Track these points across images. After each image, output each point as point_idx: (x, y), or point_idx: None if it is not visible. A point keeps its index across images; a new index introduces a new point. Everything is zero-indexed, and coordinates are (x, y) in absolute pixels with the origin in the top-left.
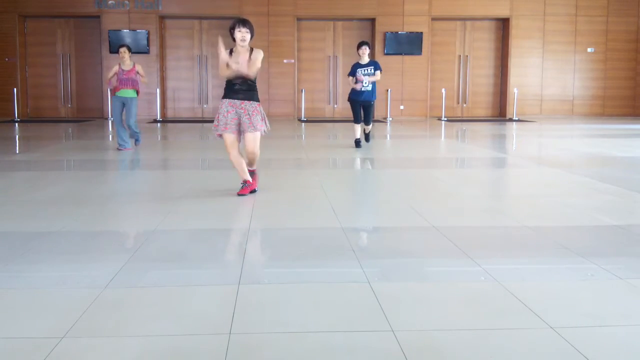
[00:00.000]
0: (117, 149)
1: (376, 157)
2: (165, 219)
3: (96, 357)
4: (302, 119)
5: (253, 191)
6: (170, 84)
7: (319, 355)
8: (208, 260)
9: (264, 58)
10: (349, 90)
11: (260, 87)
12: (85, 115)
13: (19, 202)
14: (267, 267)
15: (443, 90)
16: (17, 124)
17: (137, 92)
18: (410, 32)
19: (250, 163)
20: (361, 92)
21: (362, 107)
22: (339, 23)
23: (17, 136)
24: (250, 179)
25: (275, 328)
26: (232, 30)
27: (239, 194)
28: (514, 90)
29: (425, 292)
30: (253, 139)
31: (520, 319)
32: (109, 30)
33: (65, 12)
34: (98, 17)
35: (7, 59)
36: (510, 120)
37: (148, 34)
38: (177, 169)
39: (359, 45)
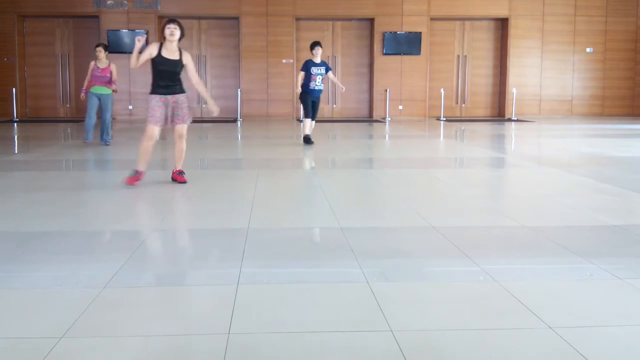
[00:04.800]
0: (84, 141)
1: (375, 157)
2: (164, 219)
3: (95, 357)
4: (301, 119)
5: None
6: None
7: (318, 355)
8: (207, 260)
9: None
10: (347, 90)
11: (258, 87)
12: (84, 115)
13: (18, 201)
14: (266, 267)
15: (442, 90)
16: (15, 124)
17: (113, 90)
18: (409, 32)
19: (179, 157)
20: (314, 90)
21: (312, 103)
22: (338, 23)
23: (15, 136)
24: (142, 169)
25: (274, 328)
26: (164, 28)
27: (130, 183)
28: (512, 90)
29: (424, 292)
30: (182, 130)
31: (518, 319)
32: (107, 31)
33: (64, 12)
34: (97, 17)
35: (6, 59)
36: (509, 120)
37: (147, 34)
38: None
39: (313, 46)
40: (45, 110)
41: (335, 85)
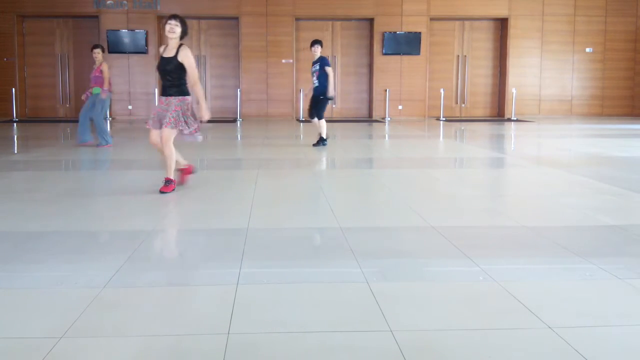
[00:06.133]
0: (97, 145)
1: (375, 157)
2: (163, 219)
3: (94, 357)
4: (301, 119)
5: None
6: None
7: (318, 355)
8: (206, 260)
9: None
10: (347, 90)
11: (258, 87)
12: None
13: (17, 201)
14: (266, 267)
15: (441, 91)
16: (15, 124)
17: (105, 90)
18: (409, 32)
19: (164, 163)
20: (313, 89)
21: (313, 101)
22: (338, 23)
23: (15, 136)
24: (183, 166)
25: (274, 328)
26: (165, 24)
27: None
28: (512, 90)
29: (423, 292)
30: (163, 135)
31: (518, 318)
32: (107, 30)
33: (64, 12)
34: (96, 17)
35: (5, 59)
36: (509, 120)
37: (146, 34)
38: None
39: (311, 45)
40: (44, 110)
41: (335, 85)
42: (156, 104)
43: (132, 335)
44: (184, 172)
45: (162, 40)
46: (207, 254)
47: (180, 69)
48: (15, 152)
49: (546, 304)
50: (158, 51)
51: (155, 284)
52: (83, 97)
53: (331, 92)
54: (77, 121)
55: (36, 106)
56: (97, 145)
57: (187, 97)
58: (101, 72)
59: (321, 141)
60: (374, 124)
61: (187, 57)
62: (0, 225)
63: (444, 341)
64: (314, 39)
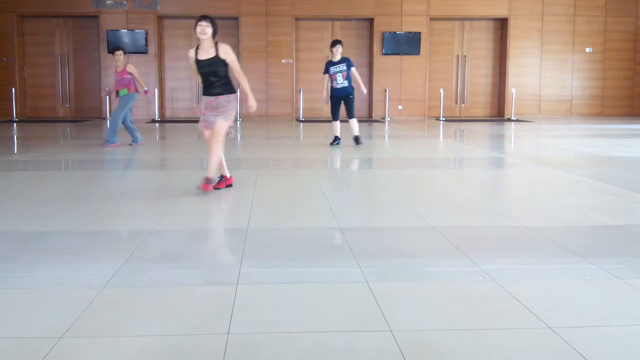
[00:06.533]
0: (129, 144)
1: (374, 157)
2: (163, 219)
3: (94, 357)
4: (301, 119)
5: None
6: (168, 84)
7: (317, 355)
8: (206, 260)
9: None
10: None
11: (258, 87)
12: (84, 115)
13: (17, 202)
14: (265, 267)
15: (441, 90)
16: (15, 124)
17: (132, 90)
18: (409, 32)
19: (209, 161)
20: (336, 89)
21: (341, 102)
22: (337, 23)
23: (15, 136)
24: (227, 174)
25: (274, 328)
26: (195, 26)
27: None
28: (512, 90)
29: (423, 292)
30: (217, 126)
31: (518, 318)
32: (107, 30)
33: (64, 12)
34: (96, 17)
35: (5, 59)
36: (509, 120)
37: (146, 34)
38: (175, 169)
39: (331, 45)
40: (44, 111)
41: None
42: (202, 105)
43: (132, 335)
44: (225, 180)
45: (161, 40)
46: (207, 254)
47: (225, 65)
48: (15, 152)
49: (546, 304)
50: (190, 56)
51: (155, 284)
52: (103, 94)
53: (365, 88)
54: (76, 121)
55: (36, 106)
56: (103, 145)
57: (235, 94)
58: (128, 73)
59: (356, 140)
60: (374, 123)
61: (229, 53)
62: (1, 225)
63: (444, 341)
64: (334, 39)
